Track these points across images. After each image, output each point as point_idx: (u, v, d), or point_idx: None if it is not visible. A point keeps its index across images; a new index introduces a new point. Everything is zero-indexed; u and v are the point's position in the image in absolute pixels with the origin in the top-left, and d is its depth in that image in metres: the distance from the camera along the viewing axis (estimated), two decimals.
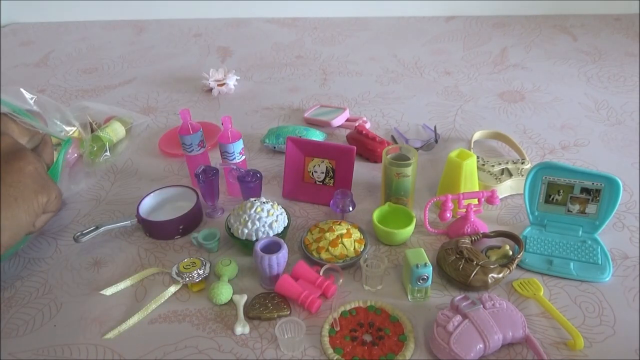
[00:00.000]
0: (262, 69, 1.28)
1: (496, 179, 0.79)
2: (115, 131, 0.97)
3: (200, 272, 0.66)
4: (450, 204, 0.72)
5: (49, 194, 0.57)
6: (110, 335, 0.61)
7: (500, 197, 0.78)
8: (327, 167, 0.81)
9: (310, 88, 1.18)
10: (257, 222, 0.68)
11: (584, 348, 0.57)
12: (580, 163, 0.88)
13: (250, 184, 0.76)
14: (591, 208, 0.69)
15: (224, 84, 1.17)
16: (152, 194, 0.79)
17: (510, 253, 0.68)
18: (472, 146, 0.91)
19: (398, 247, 0.72)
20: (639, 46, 1.31)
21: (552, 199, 0.71)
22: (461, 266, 0.64)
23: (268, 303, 0.63)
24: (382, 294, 0.65)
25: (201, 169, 0.76)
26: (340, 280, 0.67)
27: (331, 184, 0.82)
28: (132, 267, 0.71)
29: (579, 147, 0.92)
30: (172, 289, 0.66)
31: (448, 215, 0.73)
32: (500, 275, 0.64)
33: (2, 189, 0.51)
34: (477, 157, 0.81)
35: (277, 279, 0.64)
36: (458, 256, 0.66)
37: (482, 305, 0.58)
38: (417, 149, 0.83)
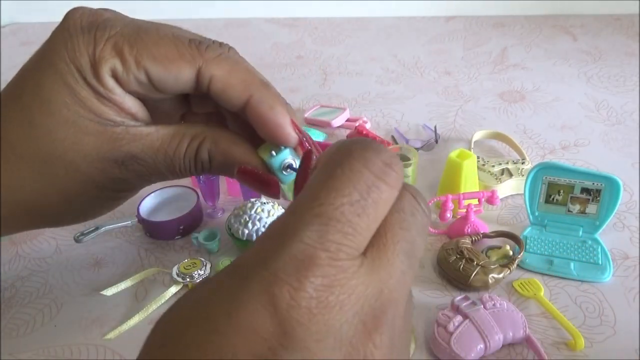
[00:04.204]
0: (262, 69, 1.27)
1: (496, 179, 0.79)
2: None
3: (201, 272, 0.66)
4: (450, 204, 0.72)
5: None
6: (110, 335, 0.61)
7: (501, 197, 0.78)
8: None
9: (310, 88, 1.18)
10: (257, 223, 0.68)
11: (585, 348, 0.57)
12: (581, 163, 0.88)
13: None
14: (591, 208, 0.69)
15: None
16: (152, 194, 0.79)
17: (511, 253, 0.68)
18: (472, 146, 0.91)
19: None
20: (639, 46, 1.31)
21: (553, 199, 0.71)
22: (461, 266, 0.64)
23: None
24: None
25: None
26: None
27: None
28: (132, 268, 0.71)
29: (579, 147, 0.92)
30: (173, 289, 0.66)
31: (448, 215, 0.73)
32: (501, 276, 0.64)
33: None
34: (477, 157, 0.81)
35: None
36: (458, 256, 0.66)
37: (482, 306, 0.58)
38: (417, 149, 0.83)
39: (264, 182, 0.31)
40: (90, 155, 0.27)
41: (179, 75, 0.28)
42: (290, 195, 0.32)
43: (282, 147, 0.32)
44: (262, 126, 0.31)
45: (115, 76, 0.27)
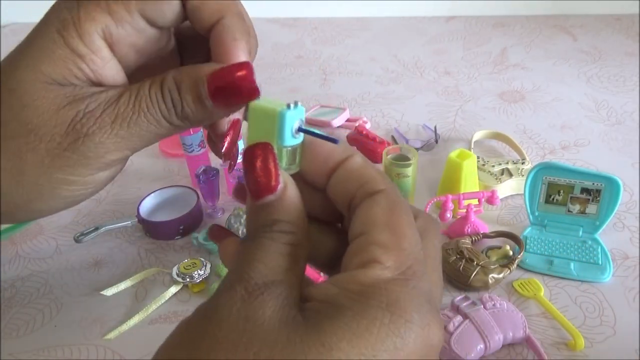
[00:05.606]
0: (262, 69, 1.28)
1: (496, 179, 0.79)
2: None
3: (201, 272, 0.66)
4: (450, 205, 0.72)
5: None
6: (110, 335, 0.61)
7: (501, 197, 0.78)
8: None
9: (310, 88, 1.18)
10: None
11: (585, 348, 0.57)
12: (581, 163, 0.88)
13: None
14: (591, 208, 0.69)
15: None
16: (152, 194, 0.79)
17: (511, 253, 0.68)
18: (472, 146, 0.91)
19: None
20: (639, 46, 1.31)
21: (553, 199, 0.71)
22: (461, 266, 0.64)
23: None
24: None
25: (202, 169, 0.76)
26: None
27: None
28: (132, 268, 0.71)
29: (579, 147, 0.92)
30: (173, 289, 0.66)
31: (448, 215, 0.73)
32: (501, 276, 0.64)
33: None
34: (477, 157, 0.81)
35: None
36: (458, 256, 0.66)
37: (482, 306, 0.58)
38: (417, 149, 0.83)
39: (242, 90, 0.26)
40: (48, 111, 0.26)
41: (170, 5, 0.28)
42: (284, 161, 0.25)
43: (297, 103, 0.25)
44: (217, 53, 0.29)
45: (107, 36, 0.27)
